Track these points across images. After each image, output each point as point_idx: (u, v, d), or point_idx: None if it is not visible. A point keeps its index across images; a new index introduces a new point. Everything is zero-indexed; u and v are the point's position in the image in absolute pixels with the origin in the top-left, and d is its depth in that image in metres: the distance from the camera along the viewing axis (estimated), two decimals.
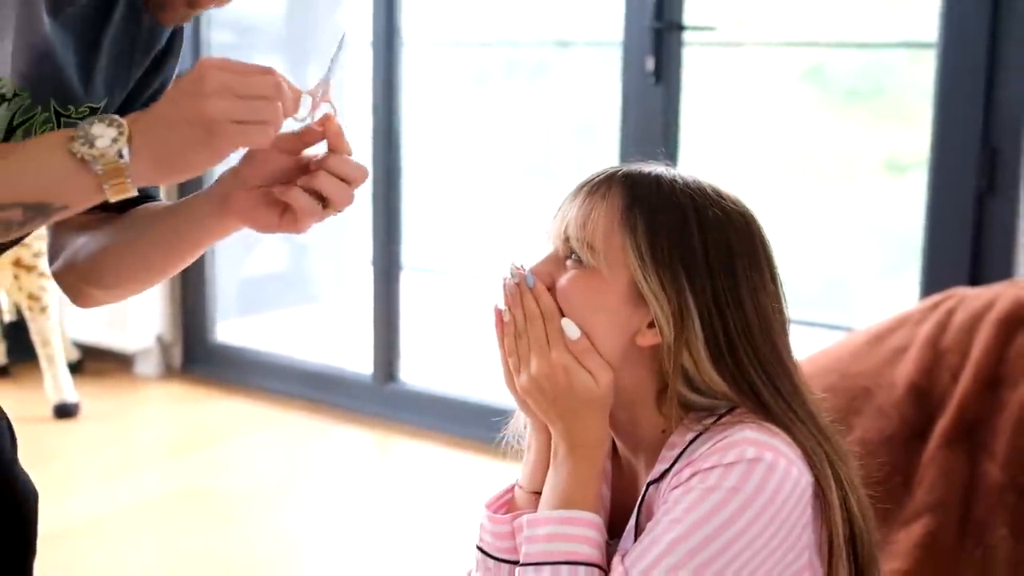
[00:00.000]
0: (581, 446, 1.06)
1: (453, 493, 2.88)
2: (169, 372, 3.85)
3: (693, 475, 0.99)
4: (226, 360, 3.74)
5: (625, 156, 2.77)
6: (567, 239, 1.07)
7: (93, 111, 1.15)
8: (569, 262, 1.07)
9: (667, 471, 1.03)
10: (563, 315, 1.06)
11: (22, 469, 1.36)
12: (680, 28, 2.64)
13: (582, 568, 1.01)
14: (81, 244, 1.25)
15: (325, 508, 2.80)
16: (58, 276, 1.28)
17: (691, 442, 1.02)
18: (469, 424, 3.12)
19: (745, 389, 1.04)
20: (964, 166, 2.35)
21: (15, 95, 1.09)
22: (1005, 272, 2.34)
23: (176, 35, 1.22)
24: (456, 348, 4.11)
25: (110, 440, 3.28)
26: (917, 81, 4.58)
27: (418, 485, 2.96)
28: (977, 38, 2.29)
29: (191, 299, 3.80)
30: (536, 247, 1.13)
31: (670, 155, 2.72)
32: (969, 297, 1.98)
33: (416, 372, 3.43)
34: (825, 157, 4.64)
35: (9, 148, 1.03)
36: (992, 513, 1.69)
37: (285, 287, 4.63)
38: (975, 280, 2.35)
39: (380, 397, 3.35)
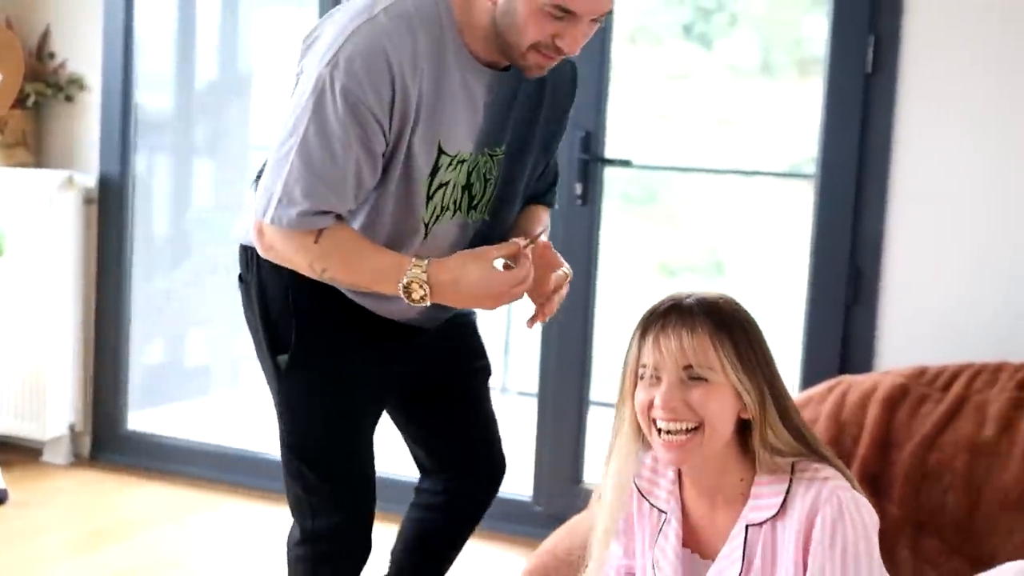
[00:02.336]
0: None
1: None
2: (79, 461, 3.93)
3: (824, 517, 1.47)
4: (140, 447, 3.91)
5: None
6: (688, 367, 1.52)
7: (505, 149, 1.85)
8: (689, 380, 1.52)
9: (771, 518, 1.51)
10: (702, 420, 1.53)
11: None
12: (603, 161, 3.16)
13: None
14: None
15: None
16: None
17: (786, 494, 1.50)
18: (392, 500, 3.42)
19: (805, 443, 1.53)
20: (835, 281, 2.92)
21: (469, 156, 1.80)
22: (866, 367, 2.90)
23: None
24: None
25: (27, 530, 3.30)
26: (685, 192, 4.92)
27: None
28: (847, 175, 2.87)
29: (102, 388, 3.95)
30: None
31: (593, 263, 3.21)
32: (856, 382, 2.52)
33: None
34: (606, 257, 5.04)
35: (379, 254, 1.74)
36: (896, 540, 2.20)
37: (183, 380, 4.77)
38: (843, 372, 2.89)
39: None
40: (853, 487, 1.52)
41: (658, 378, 1.53)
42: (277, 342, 1.89)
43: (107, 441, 3.96)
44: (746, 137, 4.24)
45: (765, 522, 1.52)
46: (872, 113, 2.84)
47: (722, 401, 1.52)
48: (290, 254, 1.75)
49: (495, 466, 2.16)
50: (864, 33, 2.82)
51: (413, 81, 1.69)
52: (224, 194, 4.77)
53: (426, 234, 1.82)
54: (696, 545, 1.60)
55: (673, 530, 1.61)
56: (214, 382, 4.95)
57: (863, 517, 1.48)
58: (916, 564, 2.17)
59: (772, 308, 4.15)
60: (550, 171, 2.03)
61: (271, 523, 3.43)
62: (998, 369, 2.39)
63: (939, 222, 2.81)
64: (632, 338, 1.58)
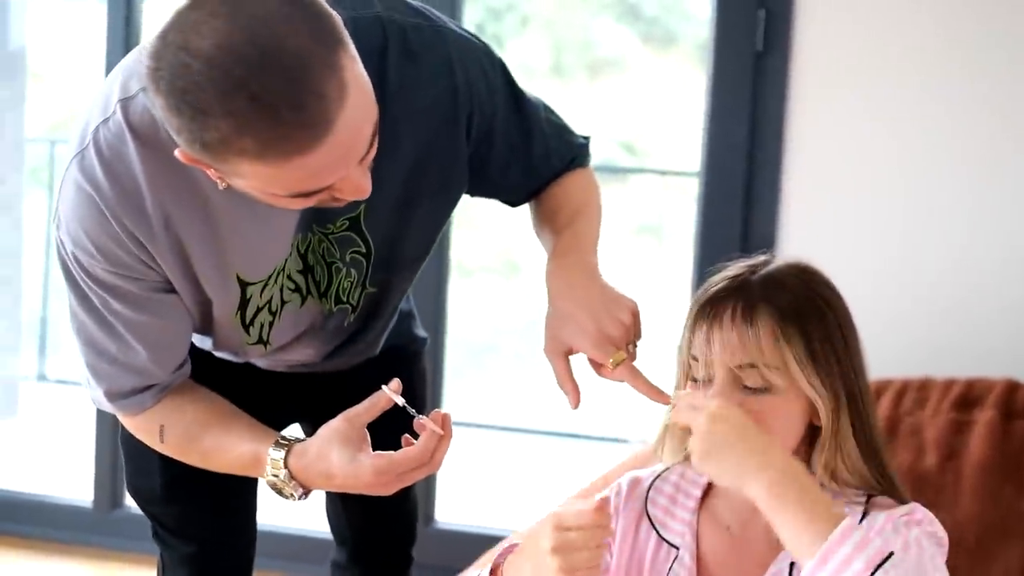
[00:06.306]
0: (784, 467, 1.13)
1: None
2: None
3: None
4: None
5: None
6: (741, 367, 1.20)
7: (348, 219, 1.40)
8: (746, 387, 1.21)
9: None
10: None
11: None
12: None
13: None
14: None
15: None
16: None
17: (860, 521, 1.19)
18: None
19: (878, 471, 1.23)
20: None
21: (291, 252, 1.39)
22: None
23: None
24: None
25: None
26: None
27: None
28: (735, 170, 2.58)
29: None
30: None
31: None
32: None
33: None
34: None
35: (234, 444, 1.37)
36: None
37: None
38: None
39: (103, 526, 3.10)
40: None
41: (709, 379, 1.23)
42: None
43: None
44: None
45: None
46: (762, 96, 2.55)
47: (789, 415, 1.21)
48: (144, 439, 1.45)
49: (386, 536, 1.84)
50: (753, 8, 2.53)
51: (142, 226, 1.27)
52: None
53: (266, 344, 1.47)
54: None
55: (686, 569, 1.28)
56: None
57: (936, 531, 1.19)
58: None
59: None
60: (535, 160, 1.51)
61: None
62: (924, 386, 2.13)
63: (837, 216, 2.56)
64: (684, 323, 1.28)
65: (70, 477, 3.30)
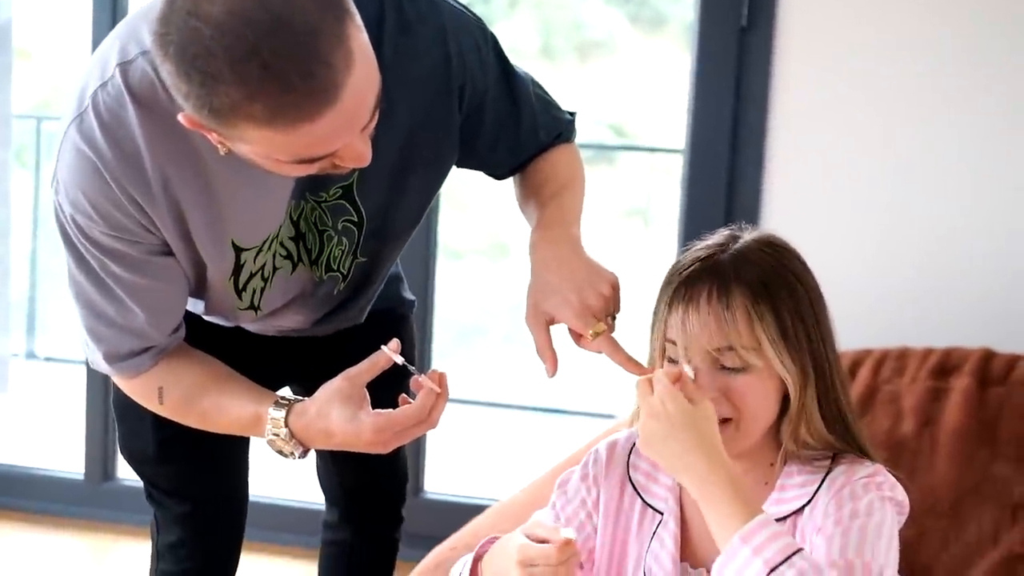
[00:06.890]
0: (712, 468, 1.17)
1: None
2: None
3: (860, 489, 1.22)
4: None
5: None
6: (727, 347, 1.23)
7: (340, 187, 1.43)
8: (725, 368, 1.24)
9: (795, 512, 1.25)
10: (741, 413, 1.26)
11: None
12: None
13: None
14: None
15: None
16: None
17: (822, 481, 1.24)
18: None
19: (845, 437, 1.26)
20: None
21: (286, 219, 1.43)
22: None
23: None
24: None
25: None
26: (467, 175, 5.05)
27: None
28: (719, 148, 2.61)
29: None
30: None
31: None
32: None
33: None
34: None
35: (232, 404, 1.41)
36: None
37: None
38: None
39: (94, 498, 3.13)
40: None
41: (688, 360, 1.26)
42: None
43: None
44: None
45: (787, 517, 1.25)
46: (746, 73, 2.58)
47: (766, 391, 1.25)
48: (142, 402, 1.48)
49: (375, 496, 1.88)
50: None
51: (141, 189, 1.30)
52: None
53: (257, 310, 1.51)
54: (690, 553, 1.32)
55: (670, 533, 1.31)
56: None
57: (896, 496, 1.25)
58: None
59: None
60: (522, 135, 1.55)
61: (51, 552, 2.96)
62: (902, 356, 2.17)
63: (820, 194, 2.60)
64: (657, 303, 1.29)
65: (61, 451, 3.31)
